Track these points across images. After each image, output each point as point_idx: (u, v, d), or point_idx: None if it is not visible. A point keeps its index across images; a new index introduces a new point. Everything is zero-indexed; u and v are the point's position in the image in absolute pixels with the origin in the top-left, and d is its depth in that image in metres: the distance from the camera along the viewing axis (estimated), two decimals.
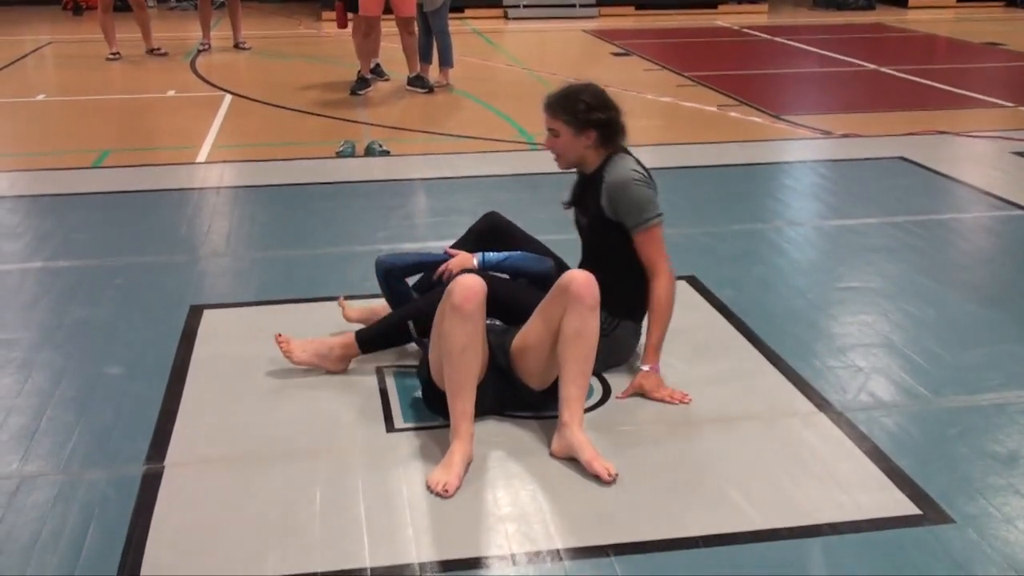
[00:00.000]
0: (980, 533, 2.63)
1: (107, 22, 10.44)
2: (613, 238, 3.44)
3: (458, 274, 3.18)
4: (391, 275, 3.57)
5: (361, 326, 3.63)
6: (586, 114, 3.36)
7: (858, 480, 2.87)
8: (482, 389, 3.14)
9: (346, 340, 3.50)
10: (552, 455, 2.99)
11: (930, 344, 3.75)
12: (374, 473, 2.91)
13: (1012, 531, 2.64)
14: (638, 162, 3.47)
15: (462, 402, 2.96)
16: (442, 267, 3.51)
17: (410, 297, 3.61)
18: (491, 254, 3.54)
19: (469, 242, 3.74)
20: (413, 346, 3.60)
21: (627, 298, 3.42)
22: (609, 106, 3.42)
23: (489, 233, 3.75)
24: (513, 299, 3.40)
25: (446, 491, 2.79)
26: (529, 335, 3.16)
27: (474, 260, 3.50)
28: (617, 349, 3.51)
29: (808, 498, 2.78)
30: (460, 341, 2.94)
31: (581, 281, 3.01)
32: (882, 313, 4.03)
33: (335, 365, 3.51)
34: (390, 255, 3.65)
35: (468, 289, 2.95)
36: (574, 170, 3.56)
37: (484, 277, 3.21)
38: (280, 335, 3.53)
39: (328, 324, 3.82)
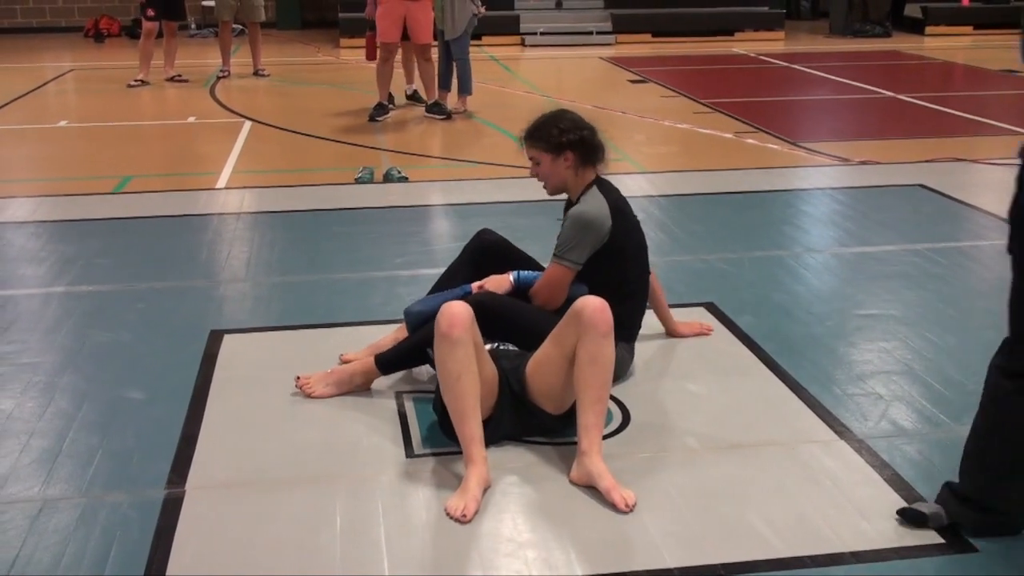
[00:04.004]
0: (1003, 563, 2.61)
1: (148, 48, 10.54)
2: (595, 261, 3.48)
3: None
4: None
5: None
6: (560, 137, 3.50)
7: (879, 508, 2.85)
8: (498, 415, 3.16)
9: (366, 367, 3.54)
10: (571, 482, 2.99)
11: (951, 371, 3.74)
12: (394, 497, 2.91)
13: None
14: (615, 202, 3.52)
15: (468, 427, 2.97)
16: (476, 286, 3.54)
17: None
18: (526, 273, 3.58)
19: (466, 261, 3.81)
20: (432, 371, 3.61)
21: (617, 319, 3.27)
22: (582, 126, 3.55)
23: (484, 250, 3.81)
24: (526, 322, 3.42)
25: (464, 516, 2.79)
26: (543, 359, 3.16)
27: (510, 277, 3.55)
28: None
29: (830, 526, 2.76)
30: (454, 368, 2.96)
31: (594, 307, 3.02)
32: (902, 340, 4.01)
33: (358, 389, 3.54)
34: (417, 304, 3.64)
35: (454, 316, 2.97)
36: (563, 195, 3.67)
37: (496, 301, 3.27)
38: (299, 378, 3.56)
39: (346, 350, 3.83)
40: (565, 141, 3.49)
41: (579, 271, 3.50)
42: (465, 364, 2.96)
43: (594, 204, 3.49)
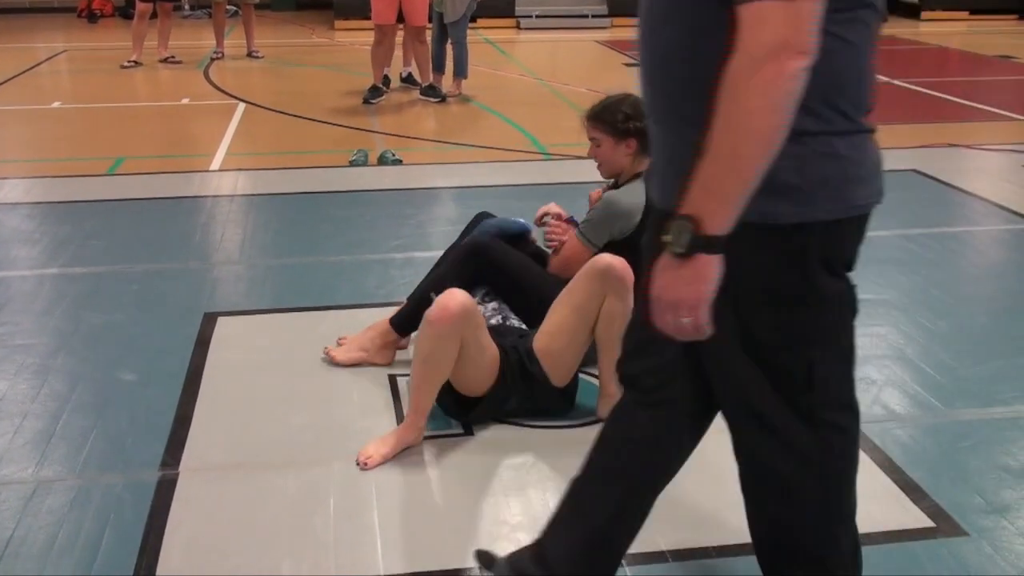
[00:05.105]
0: (994, 546, 2.63)
1: (141, 29, 10.51)
2: (618, 252, 3.47)
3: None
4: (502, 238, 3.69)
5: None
6: (626, 123, 3.45)
7: (871, 492, 2.85)
8: (503, 393, 3.17)
9: (382, 328, 3.60)
10: (600, 419, 3.07)
11: (943, 356, 3.75)
12: (388, 480, 2.92)
13: None
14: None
15: (423, 398, 3.04)
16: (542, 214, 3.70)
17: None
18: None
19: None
20: None
21: None
22: None
23: None
24: (527, 283, 3.45)
25: (365, 464, 2.94)
26: (559, 327, 3.18)
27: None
28: None
29: None
30: (424, 351, 3.00)
31: (620, 264, 3.08)
32: (895, 325, 4.02)
33: (380, 356, 3.60)
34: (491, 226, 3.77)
35: (445, 309, 2.96)
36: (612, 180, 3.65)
37: (507, 260, 3.37)
38: (328, 348, 3.65)
39: (340, 332, 3.82)
40: (631, 128, 3.42)
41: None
42: (440, 353, 2.98)
43: (631, 196, 3.45)
